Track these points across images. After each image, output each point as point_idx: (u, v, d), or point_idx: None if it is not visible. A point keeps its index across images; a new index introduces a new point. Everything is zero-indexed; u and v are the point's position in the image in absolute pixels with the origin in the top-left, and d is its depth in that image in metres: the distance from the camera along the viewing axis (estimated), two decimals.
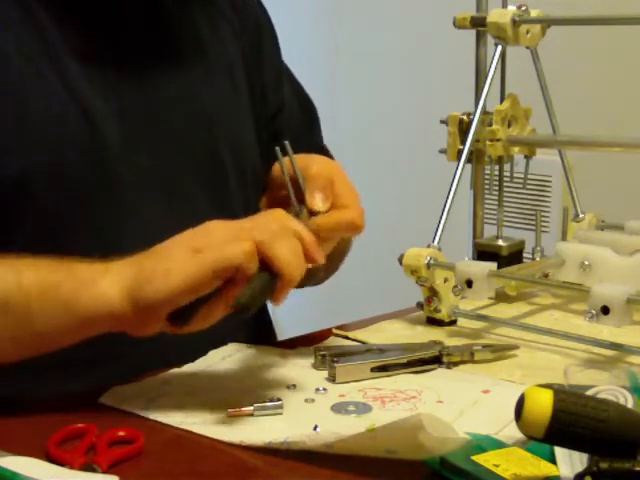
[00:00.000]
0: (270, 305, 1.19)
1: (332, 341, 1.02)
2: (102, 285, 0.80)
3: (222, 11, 1.11)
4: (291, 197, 0.89)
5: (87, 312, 0.80)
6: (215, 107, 1.05)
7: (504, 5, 1.16)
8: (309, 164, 0.91)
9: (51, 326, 0.81)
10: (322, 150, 1.21)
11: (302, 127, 1.19)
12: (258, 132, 1.12)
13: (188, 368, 0.92)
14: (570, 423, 0.61)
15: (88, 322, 0.81)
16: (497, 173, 1.19)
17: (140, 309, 0.79)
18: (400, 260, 1.06)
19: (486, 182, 1.19)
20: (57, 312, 0.80)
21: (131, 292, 0.79)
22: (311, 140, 1.20)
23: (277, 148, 0.89)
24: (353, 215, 0.90)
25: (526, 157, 1.21)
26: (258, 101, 1.13)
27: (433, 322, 1.07)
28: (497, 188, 1.20)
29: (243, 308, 0.77)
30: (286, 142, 0.89)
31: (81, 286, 0.80)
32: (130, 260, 0.81)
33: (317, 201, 0.89)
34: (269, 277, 0.79)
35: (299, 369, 0.92)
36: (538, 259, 1.18)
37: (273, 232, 0.80)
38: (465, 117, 1.15)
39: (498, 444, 0.71)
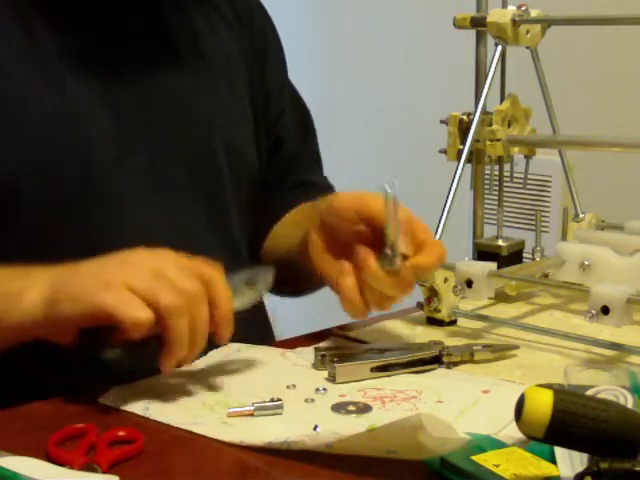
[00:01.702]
0: (269, 305, 1.19)
1: (332, 341, 1.02)
2: (27, 298, 0.82)
3: (220, 11, 1.11)
4: (389, 242, 0.88)
5: (19, 324, 0.83)
6: (213, 109, 1.05)
7: (504, 5, 1.16)
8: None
9: None
10: (318, 159, 1.23)
11: (299, 135, 1.20)
12: (258, 135, 1.12)
13: (188, 368, 0.92)
14: (570, 423, 0.61)
15: (21, 331, 0.84)
16: (497, 173, 1.19)
17: (51, 323, 0.82)
18: None
19: (486, 182, 1.19)
20: None
21: (45, 306, 0.82)
22: (307, 148, 1.21)
23: (386, 186, 0.86)
24: (442, 250, 0.91)
25: (526, 157, 1.21)
26: (260, 105, 1.13)
27: (433, 322, 1.07)
28: (497, 188, 1.20)
29: (109, 363, 0.80)
30: (395, 180, 0.87)
31: (9, 300, 0.83)
32: (53, 273, 0.83)
33: (407, 245, 0.89)
34: (155, 343, 0.80)
35: (299, 369, 0.92)
36: (538, 259, 1.18)
37: (183, 300, 0.79)
38: (465, 117, 1.15)
39: (498, 444, 0.71)
